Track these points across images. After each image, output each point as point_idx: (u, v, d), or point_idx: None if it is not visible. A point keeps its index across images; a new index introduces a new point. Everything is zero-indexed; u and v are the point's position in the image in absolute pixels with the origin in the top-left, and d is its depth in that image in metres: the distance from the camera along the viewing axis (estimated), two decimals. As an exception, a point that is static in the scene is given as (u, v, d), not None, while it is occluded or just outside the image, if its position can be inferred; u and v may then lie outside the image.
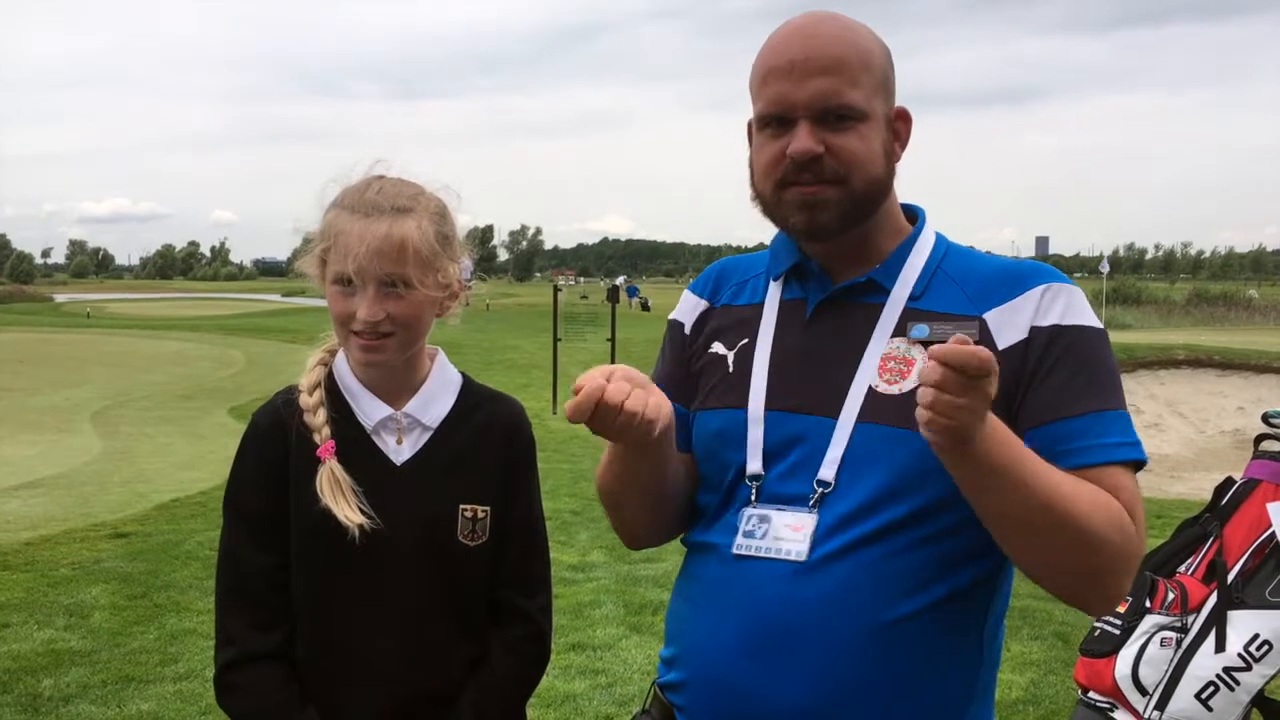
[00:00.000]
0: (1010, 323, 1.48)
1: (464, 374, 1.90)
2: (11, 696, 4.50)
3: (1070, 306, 1.49)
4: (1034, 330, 1.47)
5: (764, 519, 1.51)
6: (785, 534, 1.49)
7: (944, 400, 1.25)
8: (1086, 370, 1.46)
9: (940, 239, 1.63)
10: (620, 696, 4.56)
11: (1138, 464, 1.46)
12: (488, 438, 1.84)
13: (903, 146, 1.59)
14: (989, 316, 1.50)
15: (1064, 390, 1.45)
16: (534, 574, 1.88)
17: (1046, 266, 1.56)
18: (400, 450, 1.78)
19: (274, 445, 1.77)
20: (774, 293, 1.66)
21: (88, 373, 17.96)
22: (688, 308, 1.77)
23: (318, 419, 1.75)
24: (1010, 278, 1.53)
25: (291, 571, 1.76)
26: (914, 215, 1.65)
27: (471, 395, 1.87)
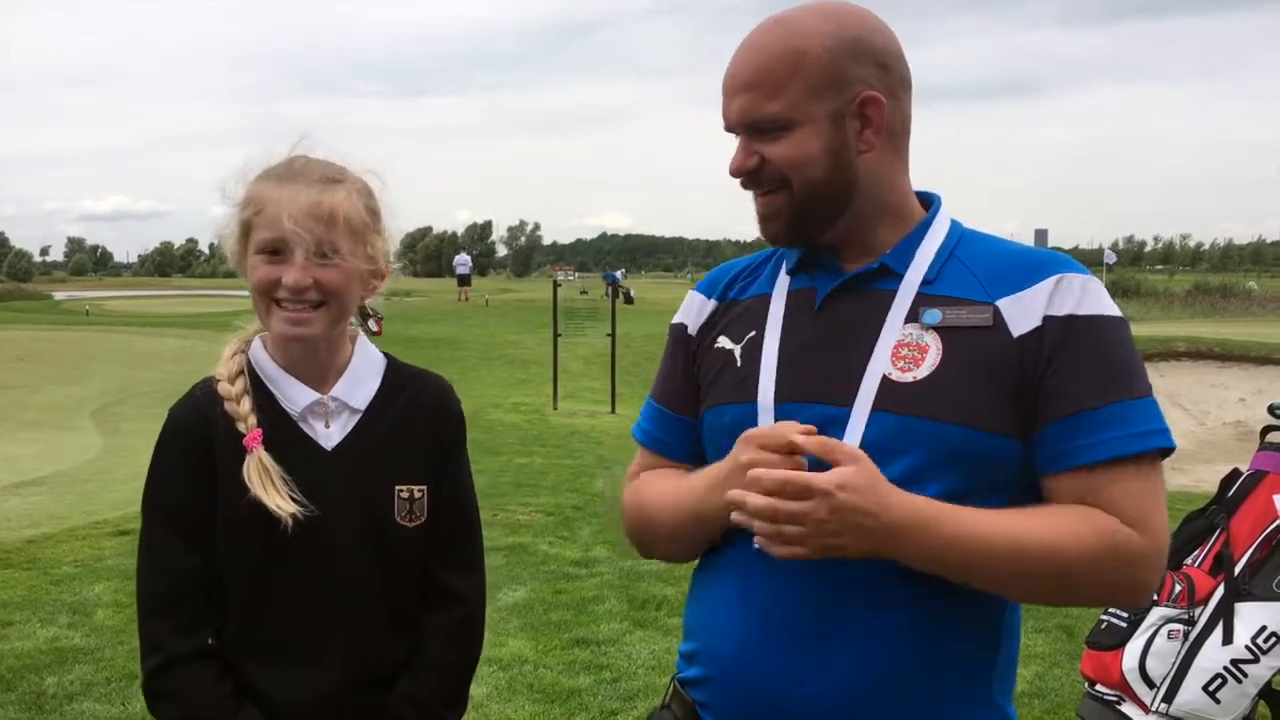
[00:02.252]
0: (1024, 310, 1.46)
1: (388, 354, 1.87)
2: (15, 695, 4.50)
3: (1086, 296, 1.46)
4: (1048, 319, 1.44)
5: None
6: None
7: (791, 530, 1.36)
8: (1105, 359, 1.44)
9: (955, 225, 1.61)
10: (625, 691, 4.55)
11: (1163, 451, 1.43)
12: (417, 416, 1.81)
13: (877, 132, 1.53)
14: (1002, 304, 1.47)
15: (1083, 381, 1.42)
16: (468, 553, 1.85)
17: (1062, 256, 1.54)
18: (329, 435, 1.75)
19: (197, 438, 1.73)
20: (782, 284, 1.65)
21: (88, 370, 17.94)
22: (693, 308, 1.74)
23: (242, 408, 1.71)
24: (1024, 266, 1.50)
25: (221, 566, 1.72)
26: (929, 202, 1.63)
27: (397, 375, 1.84)
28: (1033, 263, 1.51)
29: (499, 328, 26.25)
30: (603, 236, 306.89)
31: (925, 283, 1.53)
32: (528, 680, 4.66)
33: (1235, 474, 3.12)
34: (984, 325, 1.47)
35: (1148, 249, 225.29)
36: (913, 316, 1.51)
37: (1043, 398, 1.44)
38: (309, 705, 1.72)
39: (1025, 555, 1.39)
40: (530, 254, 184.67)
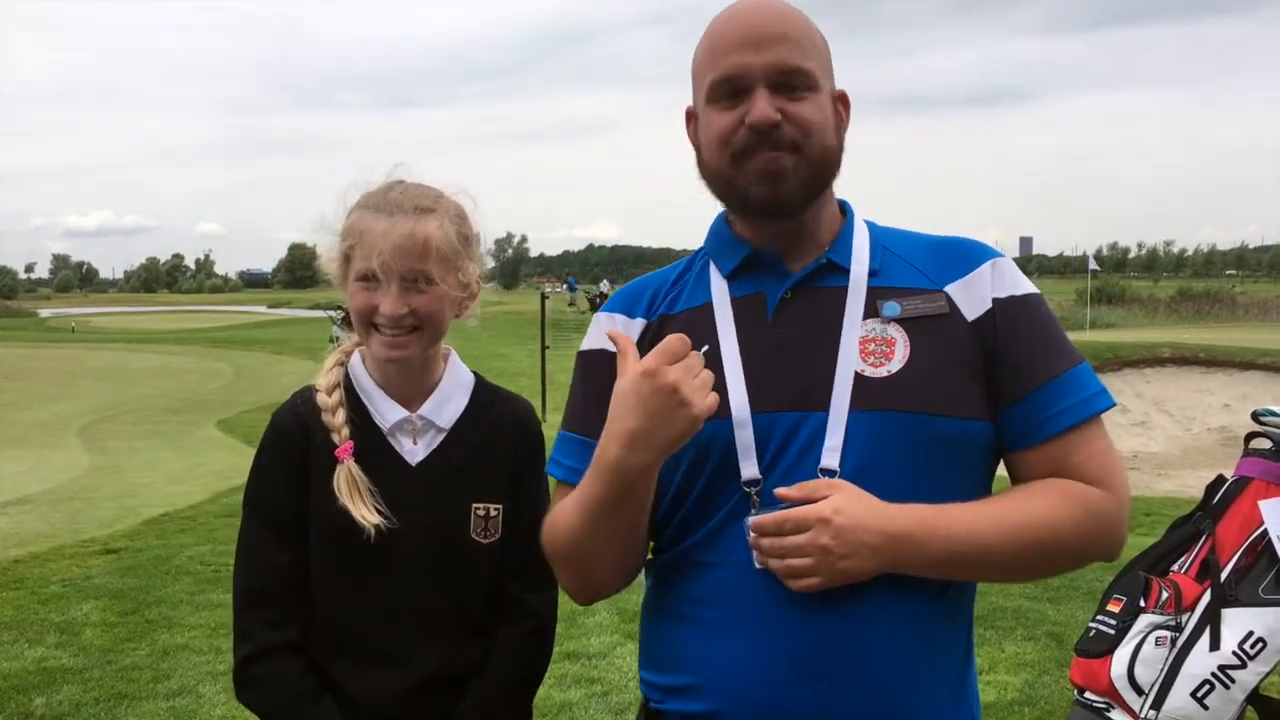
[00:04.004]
0: (973, 296, 1.52)
1: (476, 374, 1.95)
2: (4, 715, 4.49)
3: (1017, 277, 1.56)
4: (996, 302, 1.51)
5: None
6: None
7: (793, 565, 1.39)
8: (1047, 334, 1.53)
9: (869, 222, 1.64)
10: (616, 705, 4.55)
11: (1107, 409, 1.52)
12: (498, 437, 1.89)
13: (844, 128, 1.59)
14: (950, 290, 1.53)
15: (1038, 358, 1.50)
16: (541, 569, 1.84)
17: (979, 242, 1.60)
18: (415, 451, 1.84)
19: (295, 444, 1.82)
20: (720, 291, 1.58)
21: (74, 387, 17.86)
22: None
23: (337, 419, 1.80)
24: (956, 252, 1.57)
25: (309, 566, 1.81)
26: (842, 207, 1.65)
27: (483, 395, 1.92)
28: (963, 248, 1.58)
29: (487, 340, 26.21)
30: (590, 248, 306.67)
31: (871, 275, 1.55)
32: (519, 694, 4.65)
33: (1220, 480, 3.12)
34: (942, 313, 1.51)
35: (1131, 255, 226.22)
36: (871, 311, 1.51)
37: (1005, 377, 1.49)
38: (384, 705, 1.80)
39: (1023, 538, 1.44)
40: (518, 266, 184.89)
